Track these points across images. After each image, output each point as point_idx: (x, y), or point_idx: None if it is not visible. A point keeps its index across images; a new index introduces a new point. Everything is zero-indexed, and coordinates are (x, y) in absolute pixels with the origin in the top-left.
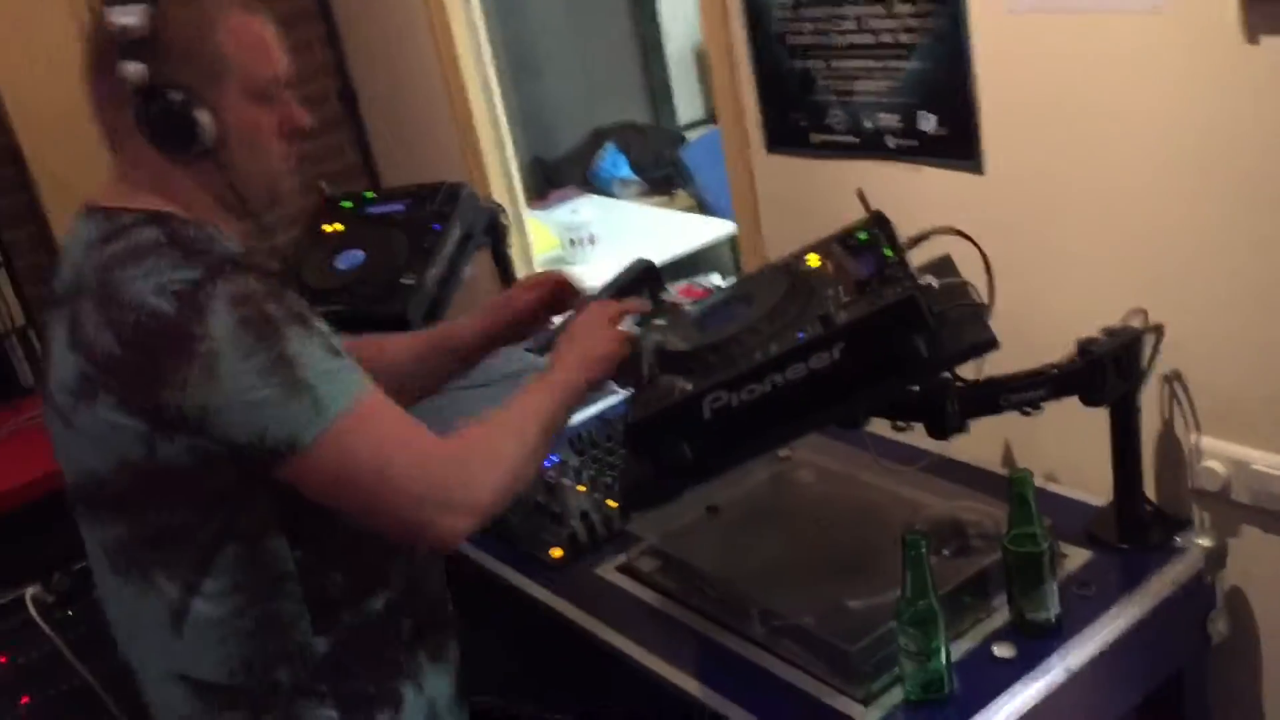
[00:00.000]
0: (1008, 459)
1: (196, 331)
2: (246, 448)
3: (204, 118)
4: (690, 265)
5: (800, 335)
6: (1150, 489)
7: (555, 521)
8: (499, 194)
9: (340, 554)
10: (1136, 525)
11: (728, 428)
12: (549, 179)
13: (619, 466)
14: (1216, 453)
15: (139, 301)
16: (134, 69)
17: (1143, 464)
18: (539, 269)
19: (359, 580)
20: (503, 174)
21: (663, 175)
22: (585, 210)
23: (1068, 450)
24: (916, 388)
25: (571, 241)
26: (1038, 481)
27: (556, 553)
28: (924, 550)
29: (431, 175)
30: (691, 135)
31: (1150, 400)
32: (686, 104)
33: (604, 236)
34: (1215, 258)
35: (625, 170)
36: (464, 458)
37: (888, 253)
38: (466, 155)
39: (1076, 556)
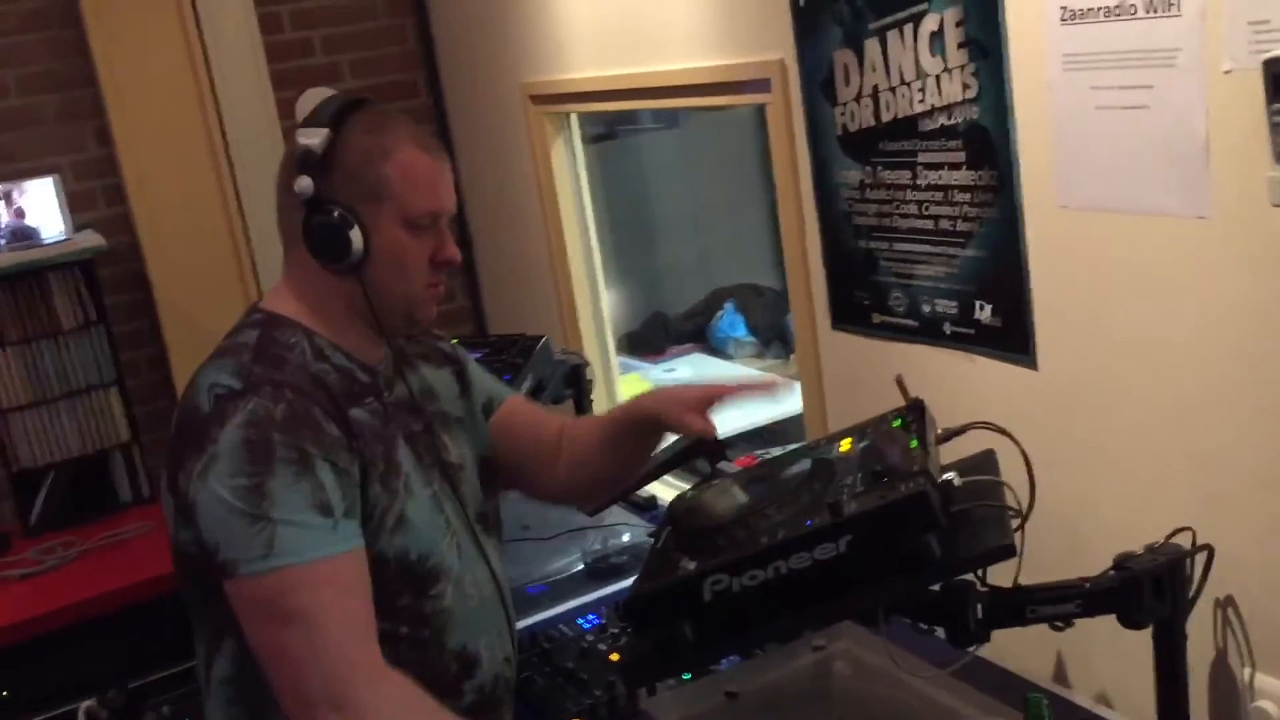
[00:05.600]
0: (1059, 674)
1: (212, 434)
2: (208, 554)
3: (355, 235)
4: (781, 433)
5: (808, 523)
6: None
7: (580, 689)
8: (590, 348)
9: None
10: None
11: (731, 612)
12: (670, 335)
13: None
14: (1271, 692)
15: (193, 394)
16: (304, 182)
17: (1193, 695)
18: None
19: None
20: (595, 330)
21: (777, 338)
22: (682, 369)
23: (1119, 672)
24: (937, 588)
25: None
26: (1086, 703)
27: None
28: None
29: (532, 326)
30: None
31: (1204, 625)
32: None
33: None
34: (1276, 479)
35: (741, 331)
36: (387, 691)
37: (913, 444)
38: (562, 310)
39: None
